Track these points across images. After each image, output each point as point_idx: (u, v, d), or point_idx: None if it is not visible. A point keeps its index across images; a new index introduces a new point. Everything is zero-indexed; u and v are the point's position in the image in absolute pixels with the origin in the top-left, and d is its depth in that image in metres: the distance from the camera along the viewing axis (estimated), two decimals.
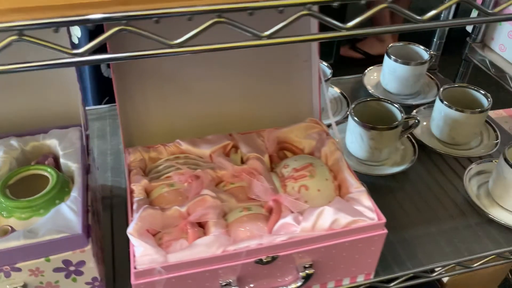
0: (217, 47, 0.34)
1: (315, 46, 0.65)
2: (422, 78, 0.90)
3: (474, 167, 0.72)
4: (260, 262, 0.49)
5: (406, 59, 0.87)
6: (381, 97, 0.88)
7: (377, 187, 0.72)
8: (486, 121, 0.83)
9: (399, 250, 0.62)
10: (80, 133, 0.60)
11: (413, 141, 0.77)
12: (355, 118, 0.71)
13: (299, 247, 0.49)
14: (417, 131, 0.81)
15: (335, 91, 0.90)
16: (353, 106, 0.74)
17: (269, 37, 0.34)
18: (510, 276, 1.05)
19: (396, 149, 0.76)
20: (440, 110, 0.76)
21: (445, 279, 0.95)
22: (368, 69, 0.96)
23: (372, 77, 0.95)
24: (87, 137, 0.64)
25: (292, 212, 0.52)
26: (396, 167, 0.73)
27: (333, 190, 0.56)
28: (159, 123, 0.63)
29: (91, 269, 0.50)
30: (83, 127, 0.60)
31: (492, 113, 1.06)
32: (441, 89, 0.77)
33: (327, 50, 1.97)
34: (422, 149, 0.77)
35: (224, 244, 0.48)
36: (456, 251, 0.62)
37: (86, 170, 0.58)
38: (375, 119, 0.74)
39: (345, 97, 0.89)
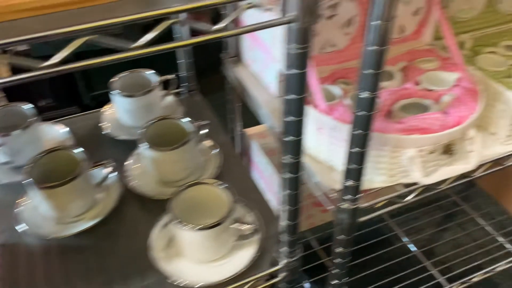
0: None
1: None
2: (157, 107, 0.83)
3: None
4: None
5: (136, 88, 0.80)
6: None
7: (68, 248, 0.64)
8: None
9: None
10: None
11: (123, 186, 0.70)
12: (28, 178, 0.63)
13: None
14: (136, 171, 0.74)
15: (61, 133, 0.81)
16: (30, 162, 0.65)
17: None
18: None
19: (98, 200, 0.69)
20: (140, 150, 0.69)
21: None
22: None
23: (112, 111, 0.87)
24: None
25: None
26: (88, 222, 0.66)
27: None
28: None
29: None
30: None
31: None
32: (143, 128, 0.70)
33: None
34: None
35: None
36: None
37: None
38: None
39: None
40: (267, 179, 1.01)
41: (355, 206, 0.60)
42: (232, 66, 0.91)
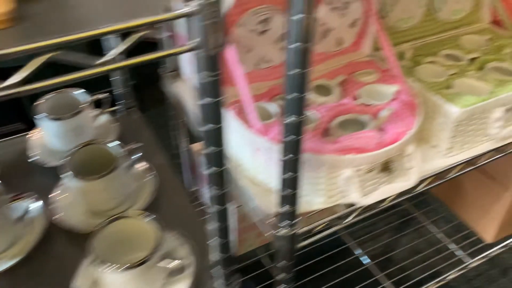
0: None
1: None
2: (89, 129, 0.77)
3: None
4: None
5: (65, 110, 0.75)
6: None
7: None
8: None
9: None
10: None
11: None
12: None
13: None
14: (63, 202, 0.68)
15: None
16: None
17: None
18: None
19: (19, 236, 0.63)
20: (64, 180, 0.64)
21: None
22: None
23: (40, 135, 0.81)
24: None
25: None
26: (7, 261, 0.60)
27: None
28: None
29: None
30: None
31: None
32: (67, 156, 0.65)
33: None
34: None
35: None
36: None
37: None
38: None
39: None
40: None
41: (293, 232, 0.57)
42: (171, 81, 0.86)
